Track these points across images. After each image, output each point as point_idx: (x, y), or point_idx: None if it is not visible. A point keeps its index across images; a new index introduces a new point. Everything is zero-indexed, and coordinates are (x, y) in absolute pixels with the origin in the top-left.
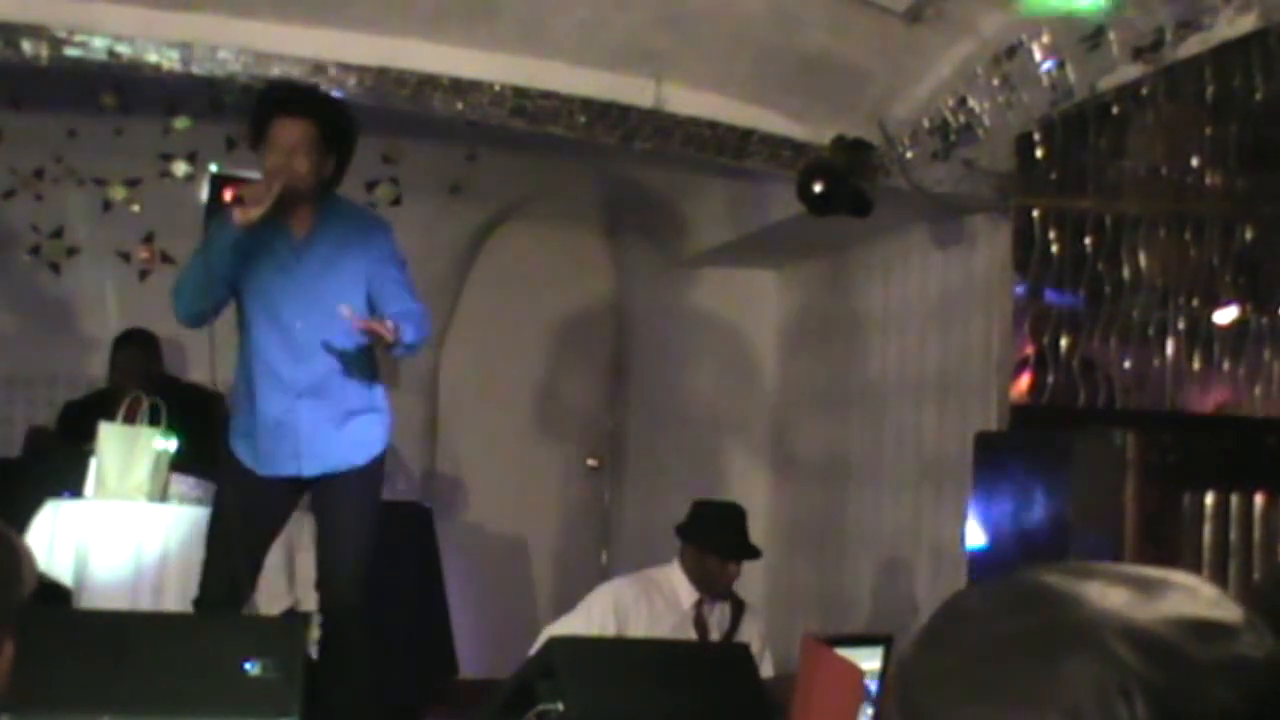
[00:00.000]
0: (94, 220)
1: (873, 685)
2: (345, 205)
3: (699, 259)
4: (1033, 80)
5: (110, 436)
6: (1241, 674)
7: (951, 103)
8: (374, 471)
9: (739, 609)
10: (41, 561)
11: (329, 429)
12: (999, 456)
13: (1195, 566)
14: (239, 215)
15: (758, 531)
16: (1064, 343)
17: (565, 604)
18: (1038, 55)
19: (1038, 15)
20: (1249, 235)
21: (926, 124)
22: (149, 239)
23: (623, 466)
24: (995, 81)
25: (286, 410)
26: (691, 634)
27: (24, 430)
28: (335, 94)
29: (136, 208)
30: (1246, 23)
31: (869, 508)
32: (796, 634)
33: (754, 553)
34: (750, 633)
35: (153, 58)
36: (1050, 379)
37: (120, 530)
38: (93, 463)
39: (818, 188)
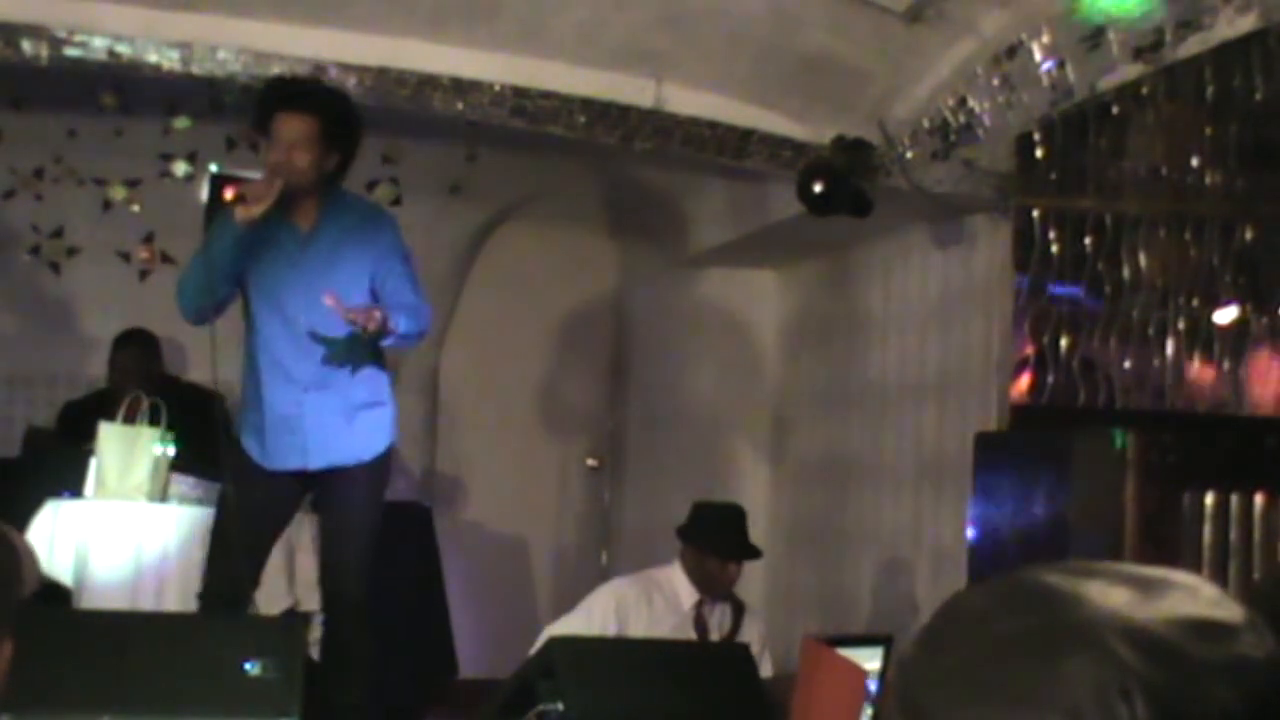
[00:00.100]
0: (94, 220)
1: (873, 685)
2: (350, 198)
3: (699, 259)
4: (1033, 80)
5: (110, 436)
6: (1242, 674)
7: (951, 103)
8: (380, 467)
9: (739, 611)
10: (41, 561)
11: (336, 423)
12: (999, 456)
13: (1195, 566)
14: (240, 212)
15: (758, 531)
16: (1064, 343)
17: (565, 604)
18: (1038, 55)
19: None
20: (1249, 235)
21: (926, 124)
22: (149, 239)
23: (623, 466)
24: (995, 81)
25: (293, 403)
26: (692, 635)
27: (24, 430)
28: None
29: (136, 208)
30: (1246, 23)
31: (869, 507)
32: (796, 634)
33: (754, 553)
34: (750, 634)
35: (153, 58)
36: (1050, 379)
37: (120, 530)
38: (93, 463)
39: (818, 188)
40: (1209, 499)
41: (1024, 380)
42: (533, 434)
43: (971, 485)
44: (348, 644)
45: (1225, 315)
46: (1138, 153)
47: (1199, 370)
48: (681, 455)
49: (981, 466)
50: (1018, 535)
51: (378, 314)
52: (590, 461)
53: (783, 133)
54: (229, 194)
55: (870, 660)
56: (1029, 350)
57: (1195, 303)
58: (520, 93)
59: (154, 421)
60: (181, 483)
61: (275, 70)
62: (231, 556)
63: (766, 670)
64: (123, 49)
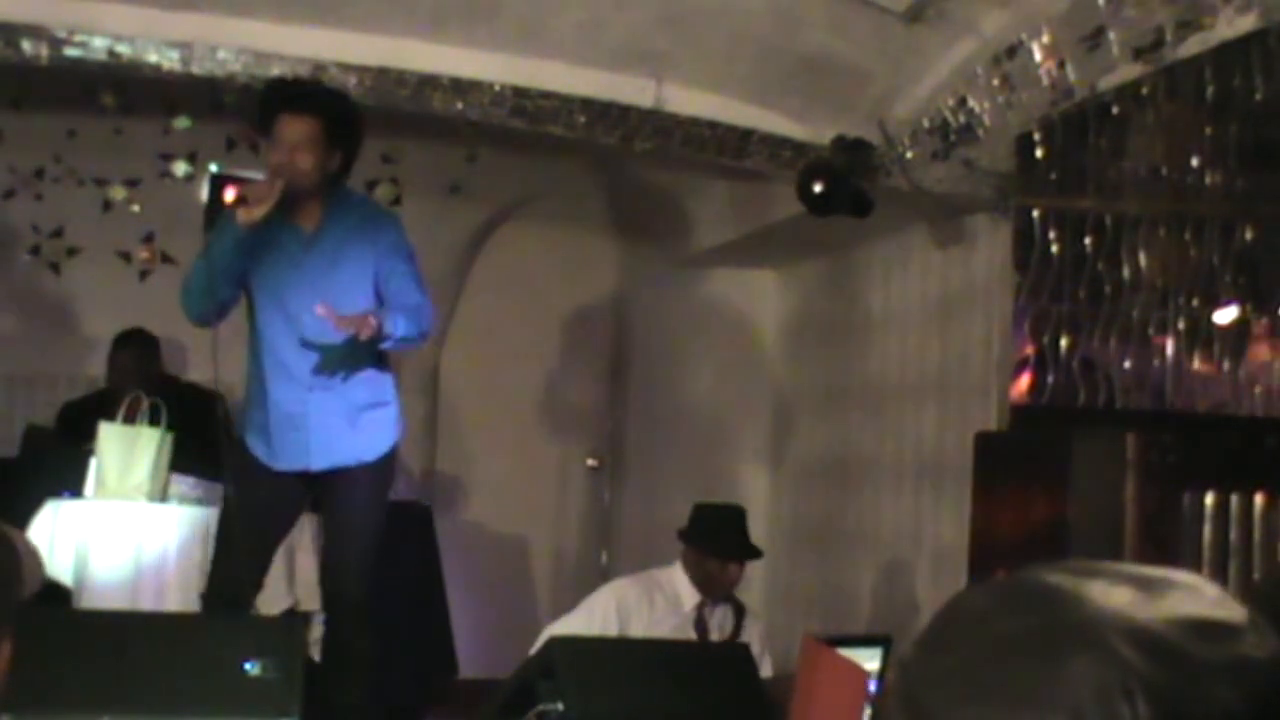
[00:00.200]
0: (94, 220)
1: (872, 685)
2: (354, 198)
3: (699, 259)
4: (1033, 80)
5: (110, 436)
6: (1244, 674)
7: (951, 103)
8: (383, 467)
9: (740, 612)
10: (42, 560)
11: (340, 423)
12: (999, 456)
13: (1195, 566)
14: (242, 214)
15: (757, 532)
16: (1064, 343)
17: (565, 604)
18: (1038, 55)
19: None
20: (1249, 235)
21: (926, 124)
22: (149, 239)
23: (623, 466)
24: (995, 81)
25: (297, 402)
26: (692, 636)
27: (23, 429)
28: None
29: (136, 208)
30: (1246, 23)
31: (869, 507)
32: (797, 634)
33: (755, 553)
34: (750, 636)
35: (153, 58)
36: (1050, 379)
37: (120, 530)
38: (93, 463)
39: (818, 188)
40: (1209, 499)
41: (1024, 380)
42: (533, 434)
43: (971, 485)
44: (348, 644)
45: (1225, 315)
46: (1138, 153)
47: (1199, 370)
48: (681, 455)
49: (981, 466)
50: (1018, 535)
51: (372, 320)
52: (590, 461)
53: (783, 133)
54: (230, 196)
55: (869, 660)
56: (1029, 350)
57: (1195, 303)
58: (520, 93)
59: (154, 421)
60: (181, 483)
61: (275, 70)
62: (236, 556)
63: (766, 671)
64: (123, 49)
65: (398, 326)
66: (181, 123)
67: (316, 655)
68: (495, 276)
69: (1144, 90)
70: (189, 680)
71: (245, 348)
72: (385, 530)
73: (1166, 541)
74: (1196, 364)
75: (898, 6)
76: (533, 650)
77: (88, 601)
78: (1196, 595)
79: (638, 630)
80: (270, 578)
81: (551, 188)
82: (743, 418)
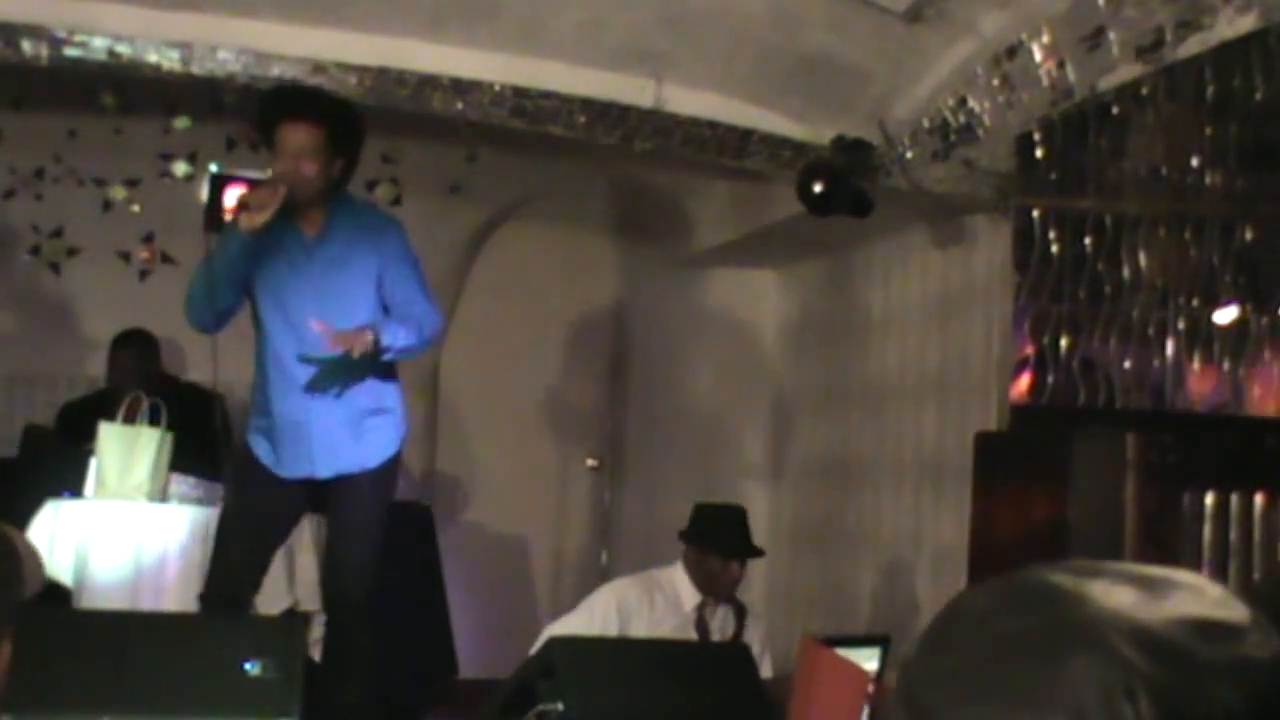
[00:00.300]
0: (94, 220)
1: (870, 686)
2: (356, 204)
3: (700, 259)
4: (1033, 80)
5: (110, 436)
6: (1247, 674)
7: (951, 103)
8: (386, 473)
9: (741, 613)
10: (43, 561)
11: (342, 431)
12: (999, 456)
13: (1195, 566)
14: (245, 221)
15: (758, 532)
16: (1064, 343)
17: (565, 604)
18: (1038, 55)
19: None
20: (1249, 235)
21: (926, 124)
22: (149, 239)
23: (623, 466)
24: (995, 81)
25: (301, 411)
26: (693, 636)
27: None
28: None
29: (136, 208)
30: (1246, 23)
31: (869, 508)
32: (797, 634)
33: (756, 552)
34: (751, 636)
35: (153, 58)
36: (1050, 379)
37: (120, 530)
38: (93, 463)
39: (818, 188)
40: (1209, 499)
41: (1024, 380)
42: (533, 434)
43: (971, 485)
44: (348, 645)
45: (1225, 315)
46: (1138, 153)
47: (1199, 370)
48: (681, 455)
49: (981, 466)
50: (1018, 535)
51: (368, 335)
52: (590, 461)
53: (783, 133)
54: (233, 202)
55: (868, 660)
56: (1029, 350)
57: (1195, 303)
58: (520, 93)
59: (154, 421)
60: (181, 483)
61: (275, 70)
62: (236, 558)
63: (767, 671)
64: (123, 49)
65: (397, 338)
66: (181, 123)
67: (316, 655)
68: (495, 276)
69: (1144, 90)
70: (189, 680)
71: (244, 348)
72: (386, 533)
73: (1166, 541)
74: (1196, 364)
75: (898, 6)
76: (533, 650)
77: (88, 601)
78: (1199, 595)
79: (638, 630)
80: (270, 578)
81: (551, 188)
82: (743, 418)
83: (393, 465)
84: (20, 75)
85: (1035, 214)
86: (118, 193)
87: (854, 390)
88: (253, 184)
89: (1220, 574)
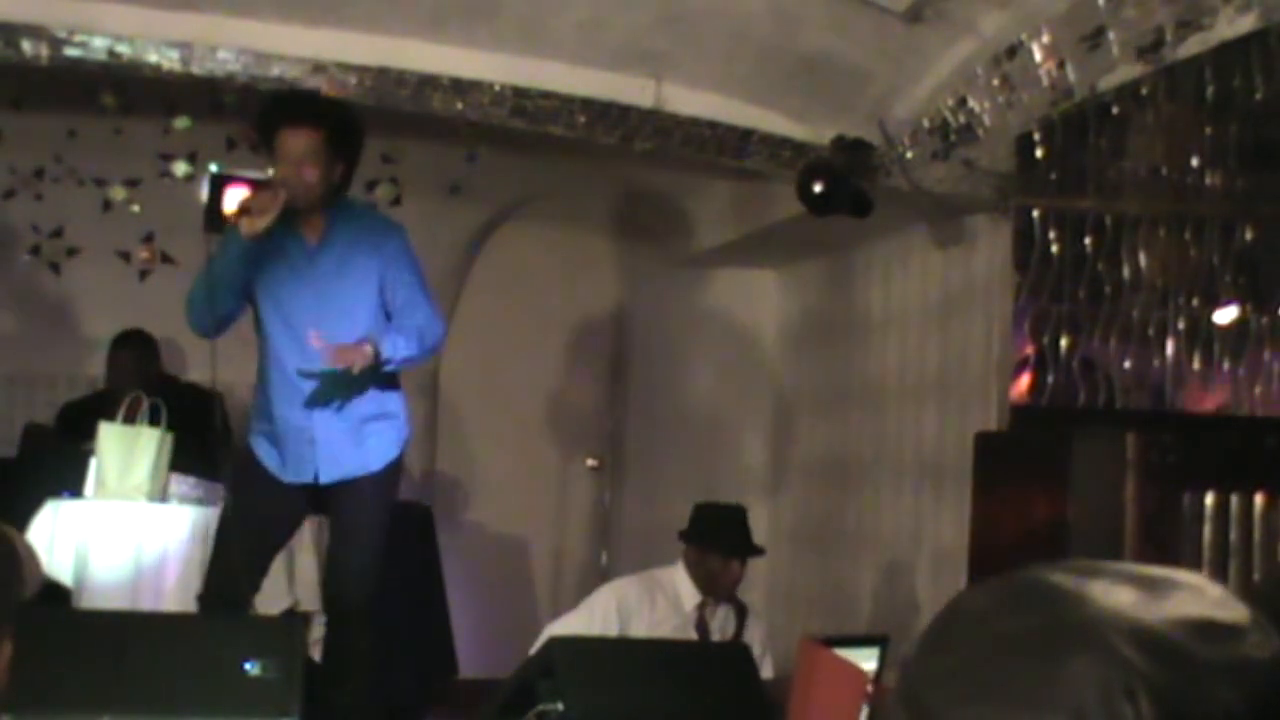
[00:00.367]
0: (94, 220)
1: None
2: (357, 209)
3: (700, 259)
4: (1033, 80)
5: (110, 436)
6: (1246, 675)
7: (951, 103)
8: (389, 477)
9: (742, 613)
10: (41, 561)
11: (344, 436)
12: (999, 456)
13: (1195, 567)
14: (245, 226)
15: (758, 532)
16: (1064, 343)
17: (565, 604)
18: (1038, 55)
19: None
20: (1249, 235)
21: (926, 124)
22: (149, 239)
23: (623, 466)
24: (995, 81)
25: (303, 417)
26: (694, 636)
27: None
28: (335, 95)
29: (136, 208)
30: (1246, 23)
31: (869, 508)
32: (797, 635)
33: (756, 550)
34: (753, 637)
35: (153, 58)
36: (1050, 379)
37: (120, 530)
38: (93, 463)
39: (818, 188)
40: (1209, 499)
41: (1024, 380)
42: (533, 434)
43: (971, 485)
44: (349, 646)
45: (1225, 315)
46: (1138, 153)
47: (1199, 370)
48: (681, 455)
49: (981, 466)
50: (1018, 535)
51: (367, 349)
52: (590, 462)
53: (783, 133)
54: (233, 207)
55: (866, 660)
56: (1029, 350)
57: (1195, 303)
58: (520, 93)
59: (154, 421)
60: (181, 483)
61: (275, 70)
62: (235, 560)
63: (767, 672)
64: (123, 49)
65: (398, 349)
66: (181, 123)
67: (316, 655)
68: (495, 276)
69: (1144, 90)
70: (189, 680)
71: (244, 349)
72: (388, 535)
73: (1166, 541)
74: (1197, 364)
75: (898, 6)
76: (533, 650)
77: (88, 601)
78: (1199, 596)
79: (639, 630)
80: (270, 578)
81: (551, 188)
82: (743, 418)
83: (395, 469)
84: (20, 75)
85: (1035, 214)
86: (118, 193)
87: (854, 390)
88: (253, 184)
89: (1220, 574)
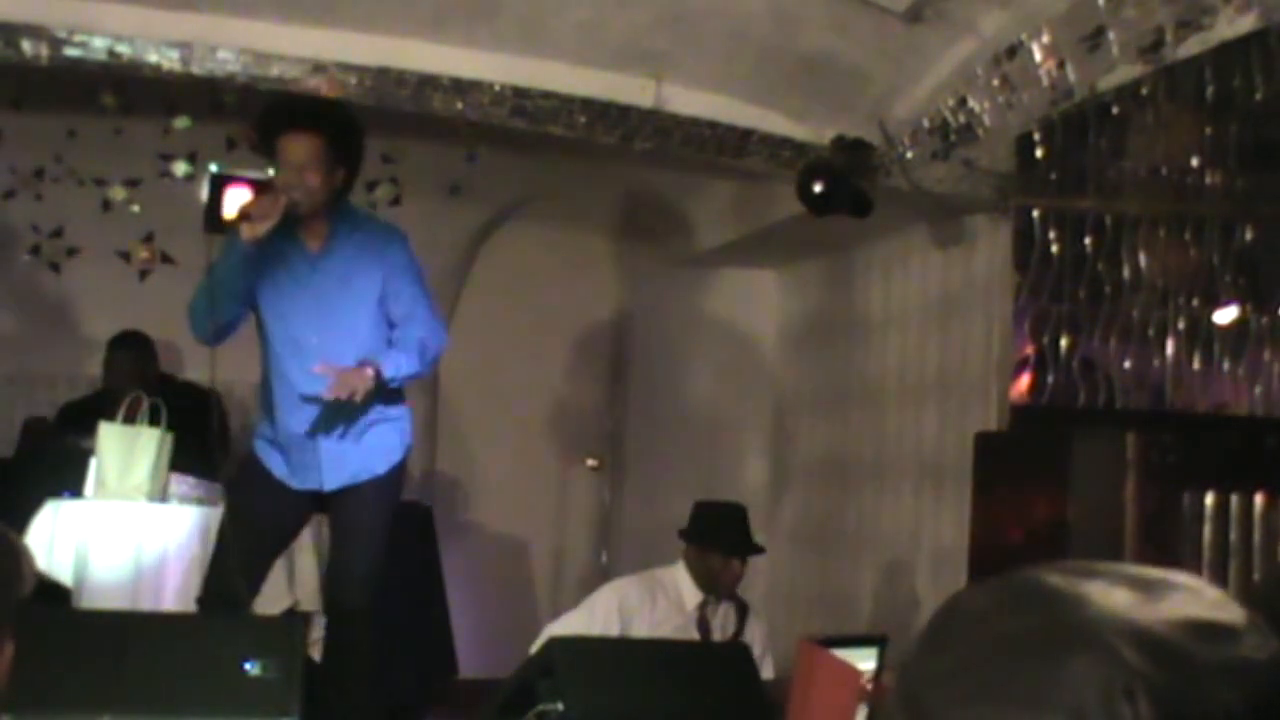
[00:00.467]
0: (94, 220)
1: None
2: (360, 216)
3: (700, 259)
4: (1033, 80)
5: (110, 436)
6: (1245, 676)
7: (951, 103)
8: (392, 480)
9: (743, 612)
10: (41, 561)
11: (347, 443)
12: (999, 456)
13: (1195, 567)
14: (246, 230)
15: (758, 532)
16: (1064, 343)
17: (565, 604)
18: (1038, 55)
19: None
20: (1249, 235)
21: (926, 124)
22: (149, 239)
23: (623, 466)
24: (995, 81)
25: (306, 422)
26: (695, 636)
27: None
28: (335, 96)
29: (136, 208)
30: (1246, 23)
31: (869, 508)
32: (797, 634)
33: (756, 549)
34: (753, 636)
35: (153, 58)
36: (1050, 379)
37: (120, 530)
38: (93, 463)
39: (818, 188)
40: (1209, 499)
41: (1024, 380)
42: (533, 434)
43: (971, 485)
44: (349, 647)
45: (1225, 315)
46: (1138, 153)
47: (1199, 370)
48: (681, 455)
49: (981, 466)
50: (1018, 535)
51: (368, 373)
52: (590, 462)
53: (783, 133)
54: (234, 213)
55: (865, 660)
56: (1029, 350)
57: (1195, 303)
58: (520, 93)
59: (154, 421)
60: (181, 483)
61: (275, 70)
62: (236, 562)
63: (768, 672)
64: (123, 49)
65: (400, 367)
66: (181, 123)
67: (316, 655)
68: (495, 276)
69: (1144, 90)
70: (189, 680)
71: (243, 349)
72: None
73: (1166, 542)
74: (1196, 364)
75: (898, 6)
76: (533, 650)
77: (88, 601)
78: (1196, 597)
79: (640, 630)
80: (270, 578)
81: (551, 188)
82: (743, 418)
83: (398, 472)
84: (20, 75)
85: (1035, 214)
86: (118, 193)
87: (854, 390)
88: (253, 184)
89: (1220, 574)
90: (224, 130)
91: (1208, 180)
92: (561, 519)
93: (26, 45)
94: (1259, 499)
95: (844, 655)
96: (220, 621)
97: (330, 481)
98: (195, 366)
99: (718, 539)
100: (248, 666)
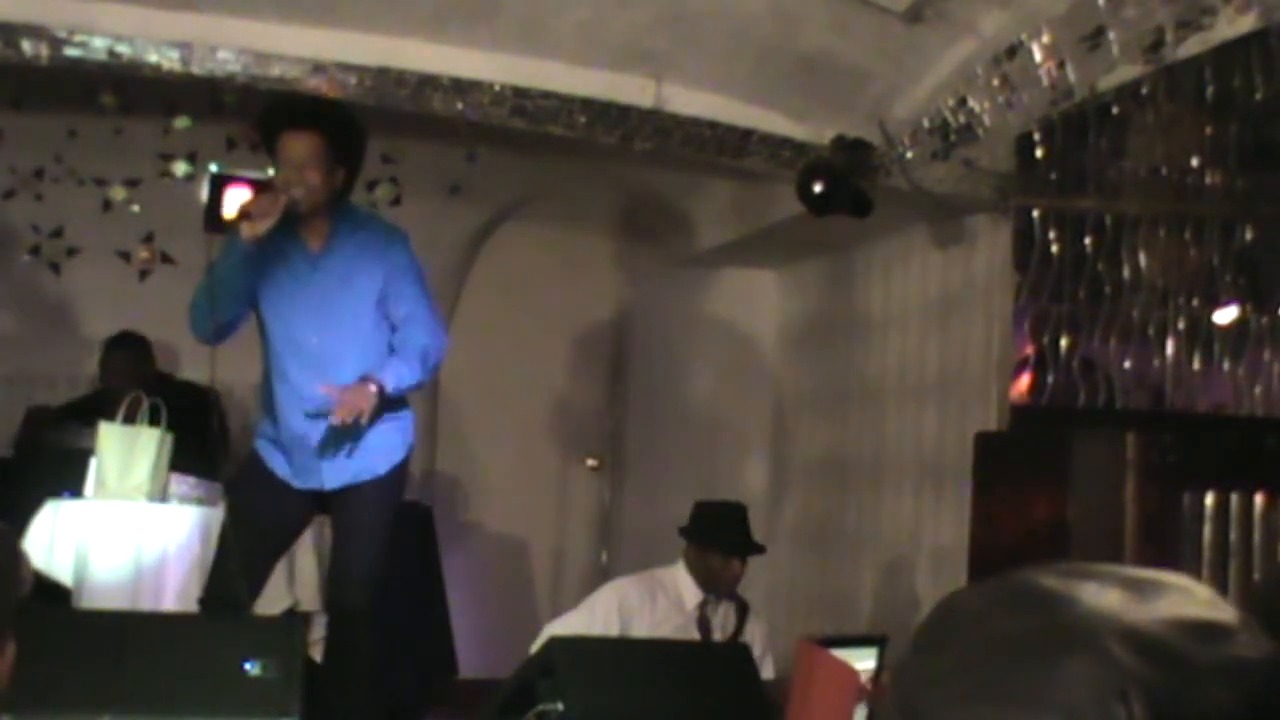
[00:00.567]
0: (94, 220)
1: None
2: (360, 215)
3: (700, 259)
4: (1033, 80)
5: (110, 436)
6: (1238, 675)
7: (951, 103)
8: (394, 480)
9: (743, 611)
10: (41, 561)
11: (348, 444)
12: (999, 456)
13: (1195, 566)
14: (246, 230)
15: (758, 532)
16: (1064, 343)
17: (565, 604)
18: (1038, 55)
19: None
20: (1249, 235)
21: (926, 124)
22: (149, 239)
23: (623, 466)
24: (995, 81)
25: (308, 424)
26: (695, 635)
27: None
28: (335, 96)
29: (136, 208)
30: (1246, 23)
31: (869, 508)
32: (797, 634)
33: (756, 548)
34: (753, 635)
35: (153, 58)
36: (1050, 379)
37: (120, 530)
38: (93, 463)
39: (818, 188)
40: (1209, 499)
41: (1024, 380)
42: (533, 434)
43: (971, 485)
44: (350, 647)
45: (1225, 315)
46: (1138, 153)
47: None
48: (681, 455)
49: (981, 466)
50: (1017, 535)
51: (371, 389)
52: (590, 462)
53: (783, 133)
54: (232, 201)
55: (865, 660)
56: (1029, 350)
57: (1195, 303)
58: (520, 93)
59: (154, 421)
60: (181, 483)
61: (275, 70)
62: (239, 563)
63: (769, 672)
64: (123, 49)
65: (401, 379)
66: (181, 123)
67: (316, 655)
68: (495, 276)
69: (1144, 90)
70: (189, 680)
71: (242, 349)
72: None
73: (1166, 541)
74: (1196, 364)
75: (898, 6)
76: (533, 650)
77: (88, 601)
78: (1189, 597)
79: (640, 630)
80: (271, 577)
81: (551, 188)
82: (743, 418)
83: (399, 473)
84: (20, 75)
85: (1035, 214)
86: (118, 193)
87: (854, 390)
88: (253, 184)
89: (1220, 574)
90: (224, 130)
91: (1208, 180)
92: (561, 519)
93: (26, 45)
94: (1259, 499)
95: (844, 655)
96: (220, 622)
97: (331, 481)
98: (193, 367)
99: (718, 538)
100: (248, 667)
